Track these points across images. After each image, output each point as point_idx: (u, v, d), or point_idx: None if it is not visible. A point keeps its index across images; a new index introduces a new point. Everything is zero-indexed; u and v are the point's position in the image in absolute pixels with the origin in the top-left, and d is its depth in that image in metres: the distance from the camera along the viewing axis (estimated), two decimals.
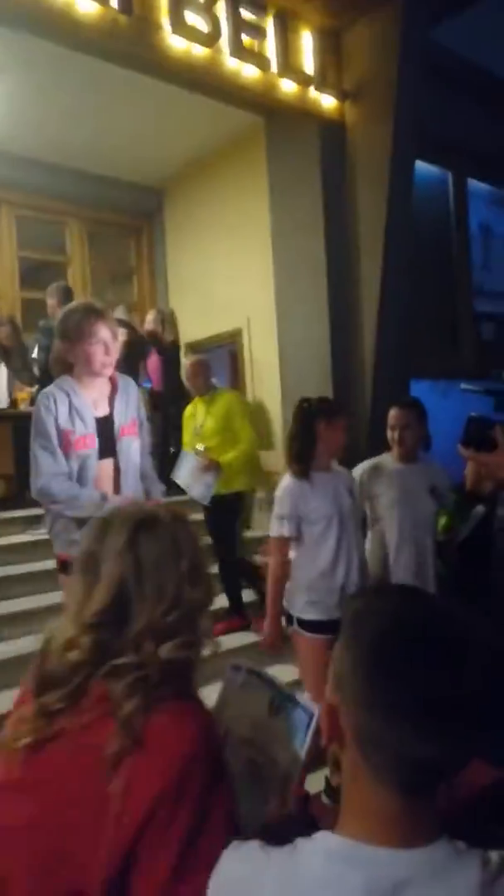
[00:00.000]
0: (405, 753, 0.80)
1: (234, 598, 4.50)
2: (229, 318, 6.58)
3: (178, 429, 6.10)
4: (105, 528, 1.17)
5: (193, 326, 6.98)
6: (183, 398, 6.23)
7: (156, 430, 5.61)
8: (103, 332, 2.59)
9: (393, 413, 3.33)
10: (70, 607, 1.14)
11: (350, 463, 3.34)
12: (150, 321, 6.56)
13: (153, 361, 6.45)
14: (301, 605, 2.93)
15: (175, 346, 6.65)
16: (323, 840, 0.83)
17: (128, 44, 4.40)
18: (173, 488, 4.46)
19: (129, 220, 7.64)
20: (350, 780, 0.86)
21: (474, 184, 7.33)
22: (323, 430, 2.92)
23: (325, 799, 3.05)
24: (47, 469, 2.50)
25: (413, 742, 0.79)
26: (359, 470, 3.35)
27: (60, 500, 2.50)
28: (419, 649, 0.80)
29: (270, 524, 2.98)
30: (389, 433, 3.31)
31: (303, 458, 2.93)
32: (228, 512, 4.47)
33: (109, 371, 2.65)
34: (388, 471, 3.32)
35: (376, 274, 5.46)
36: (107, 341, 2.60)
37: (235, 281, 6.55)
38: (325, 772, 3.06)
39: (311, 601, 2.91)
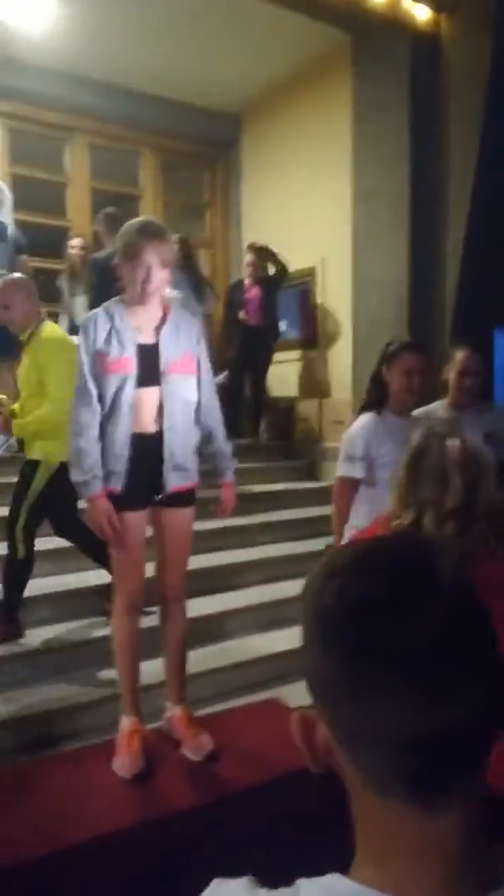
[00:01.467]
0: (393, 730, 0.58)
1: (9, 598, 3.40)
2: (303, 256, 6.24)
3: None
4: None
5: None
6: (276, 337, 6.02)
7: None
8: (149, 254, 2.41)
9: (464, 356, 3.07)
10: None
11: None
12: (247, 261, 6.19)
13: (253, 294, 6.06)
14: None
15: (280, 277, 6.10)
16: (331, 884, 0.62)
17: None
18: None
19: (205, 149, 7.31)
20: (357, 804, 0.65)
21: None
22: (386, 373, 2.79)
23: None
24: (77, 405, 2.45)
25: (400, 710, 0.57)
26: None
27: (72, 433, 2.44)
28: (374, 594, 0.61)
29: (338, 465, 2.83)
30: (455, 377, 3.05)
31: (374, 401, 2.82)
32: (21, 482, 3.41)
33: (151, 297, 2.46)
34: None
35: (464, 210, 5.02)
36: (150, 265, 2.41)
37: (311, 218, 6.19)
38: None
39: None
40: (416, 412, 3.10)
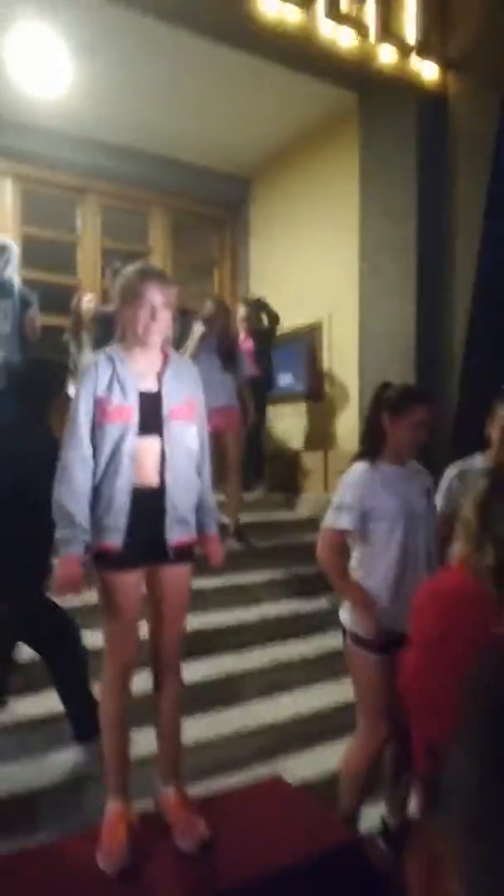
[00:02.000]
0: None
1: None
2: (310, 310, 6.21)
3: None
4: None
5: None
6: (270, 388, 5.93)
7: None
8: (152, 293, 2.30)
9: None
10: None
11: (433, 465, 2.87)
12: (242, 315, 6.13)
13: (248, 346, 5.91)
14: (350, 615, 2.56)
15: (272, 328, 6.09)
16: None
17: (217, 12, 4.14)
18: None
19: (214, 210, 7.40)
20: None
21: None
22: (389, 424, 2.54)
23: (381, 843, 2.62)
24: (67, 450, 2.26)
25: None
26: (451, 472, 2.90)
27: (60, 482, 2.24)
28: None
29: (326, 515, 2.58)
30: (499, 434, 2.77)
31: (369, 450, 2.59)
32: None
33: (155, 339, 2.33)
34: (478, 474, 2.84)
35: (472, 262, 4.96)
36: (155, 305, 2.30)
37: (319, 273, 6.18)
38: (381, 809, 2.69)
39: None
40: (456, 465, 2.91)
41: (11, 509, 2.73)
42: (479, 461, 2.89)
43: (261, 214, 7.14)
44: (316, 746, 3.32)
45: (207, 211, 7.38)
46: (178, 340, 4.74)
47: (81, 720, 2.85)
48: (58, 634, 2.91)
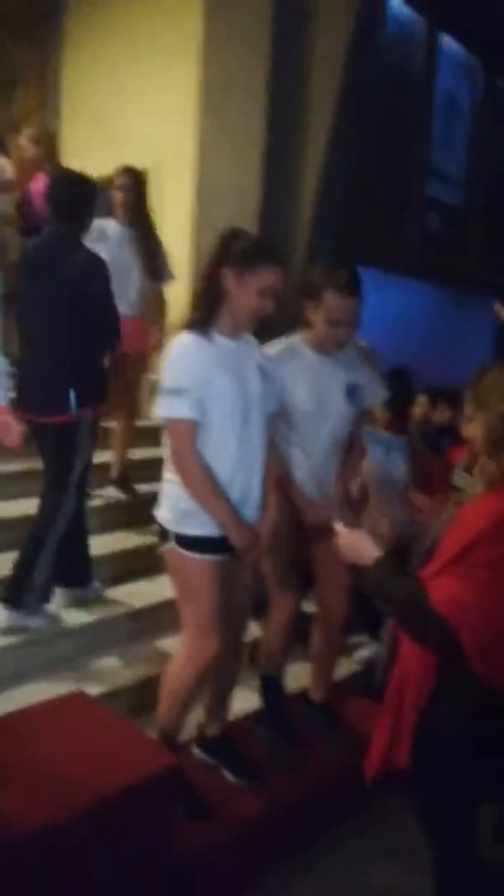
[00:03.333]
0: None
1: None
2: (134, 156, 5.21)
3: None
4: None
5: (88, 160, 5.51)
6: None
7: None
8: None
9: (343, 304, 2.25)
10: None
11: (264, 338, 2.35)
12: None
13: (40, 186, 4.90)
14: (182, 514, 2.08)
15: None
16: None
17: None
18: None
19: (19, 15, 5.93)
20: None
21: (444, 42, 6.20)
22: (232, 283, 2.02)
23: (198, 752, 2.39)
24: None
25: None
26: (272, 351, 2.38)
27: None
28: None
29: (158, 404, 2.05)
30: (326, 326, 2.29)
31: (203, 316, 2.07)
32: None
33: None
34: (303, 360, 2.38)
35: (326, 119, 4.36)
36: None
37: (149, 109, 5.16)
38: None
39: (192, 510, 2.06)
40: (279, 343, 2.40)
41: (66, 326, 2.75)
42: (299, 340, 2.40)
43: (77, 27, 5.84)
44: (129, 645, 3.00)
45: (9, 14, 5.90)
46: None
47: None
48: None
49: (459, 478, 2.80)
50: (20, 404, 2.70)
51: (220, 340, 2.08)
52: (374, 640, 3.34)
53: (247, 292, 2.02)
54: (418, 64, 6.01)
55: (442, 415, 4.15)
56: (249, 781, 2.33)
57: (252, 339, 2.21)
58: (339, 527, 1.76)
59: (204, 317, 2.07)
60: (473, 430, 1.62)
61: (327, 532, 2.35)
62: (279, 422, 2.33)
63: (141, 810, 1.84)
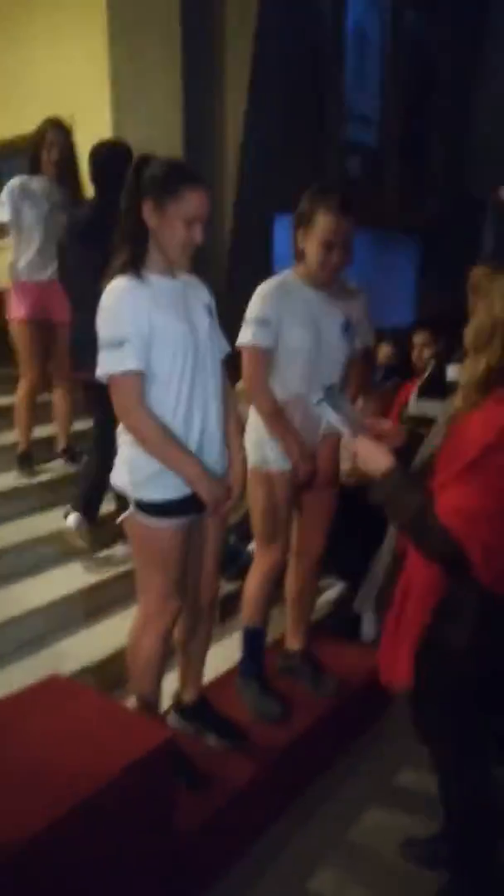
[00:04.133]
0: None
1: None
2: (43, 110, 4.92)
3: None
4: None
5: None
6: None
7: None
8: None
9: (337, 223, 2.19)
10: None
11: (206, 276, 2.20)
12: None
13: None
14: (142, 478, 1.96)
15: None
16: None
17: None
18: None
19: None
20: None
21: None
22: (153, 215, 1.86)
23: (174, 720, 2.36)
24: None
25: None
26: (265, 288, 2.31)
27: None
28: None
29: (98, 361, 1.89)
30: (320, 249, 2.22)
31: (130, 256, 1.90)
32: None
33: None
34: (299, 295, 2.32)
35: (243, 67, 4.19)
36: None
37: (57, 63, 4.85)
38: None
39: (152, 475, 1.94)
40: (268, 284, 2.31)
41: None
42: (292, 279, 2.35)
43: None
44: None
45: None
46: None
47: None
48: None
49: (454, 372, 2.83)
50: (73, 365, 2.99)
51: (156, 280, 1.91)
52: (341, 580, 3.40)
53: (171, 222, 1.86)
54: None
55: (385, 354, 4.17)
56: (234, 742, 2.31)
57: (193, 279, 2.07)
58: (352, 438, 1.74)
59: (131, 257, 1.89)
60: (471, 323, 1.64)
61: (316, 478, 2.39)
62: (277, 361, 2.29)
63: (142, 789, 1.78)
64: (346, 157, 6.18)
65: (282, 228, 5.39)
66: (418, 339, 3.17)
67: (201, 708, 2.36)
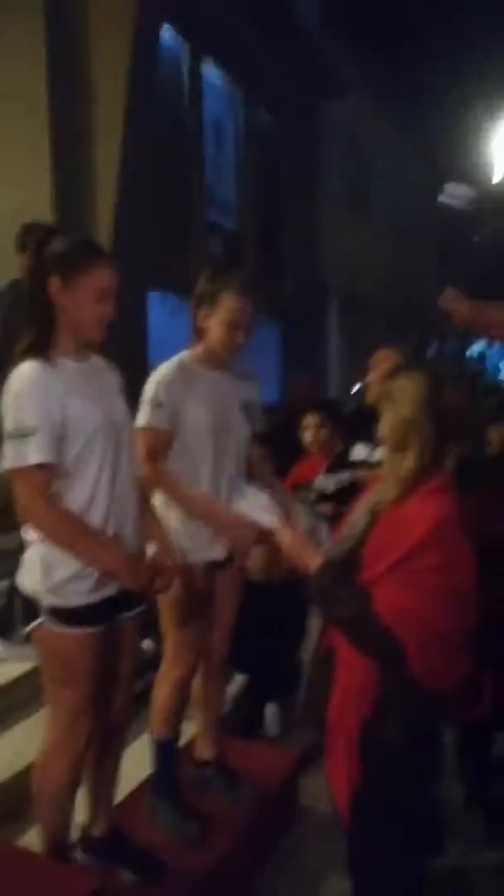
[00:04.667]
0: None
1: None
2: None
3: None
4: None
5: None
6: None
7: None
8: None
9: (242, 305, 2.14)
10: None
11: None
12: None
13: None
14: (55, 583, 1.75)
15: None
16: None
17: None
18: None
19: None
20: None
21: (207, 70, 6.29)
22: (59, 292, 1.75)
23: (81, 857, 2.06)
24: None
25: None
26: (163, 371, 2.20)
27: None
28: None
29: (4, 453, 1.70)
30: (224, 330, 2.15)
31: (38, 337, 1.76)
32: None
33: None
34: (200, 377, 2.22)
35: (112, 151, 4.21)
36: None
37: None
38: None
39: (69, 578, 1.75)
40: (166, 368, 2.18)
41: None
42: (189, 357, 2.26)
43: None
44: None
45: None
46: None
47: None
48: None
49: (360, 452, 2.81)
50: None
51: (66, 364, 1.77)
52: (240, 672, 3.27)
53: (82, 299, 1.74)
54: (186, 90, 6.05)
55: None
56: (151, 876, 2.04)
57: (101, 360, 1.93)
58: (281, 529, 1.68)
59: (39, 338, 1.75)
60: (382, 424, 1.65)
61: (230, 562, 2.24)
62: (182, 443, 2.15)
63: None
64: (209, 239, 6.30)
65: (154, 305, 5.35)
66: (311, 420, 3.18)
67: (114, 842, 2.08)
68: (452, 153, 12.16)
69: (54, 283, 1.73)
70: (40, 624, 1.77)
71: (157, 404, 2.14)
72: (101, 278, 1.76)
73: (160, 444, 2.15)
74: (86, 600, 1.76)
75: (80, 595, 1.76)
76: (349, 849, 1.81)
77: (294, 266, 8.34)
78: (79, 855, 2.06)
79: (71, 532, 1.72)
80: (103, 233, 4.22)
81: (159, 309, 5.28)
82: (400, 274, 11.64)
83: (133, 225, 4.45)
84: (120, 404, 1.89)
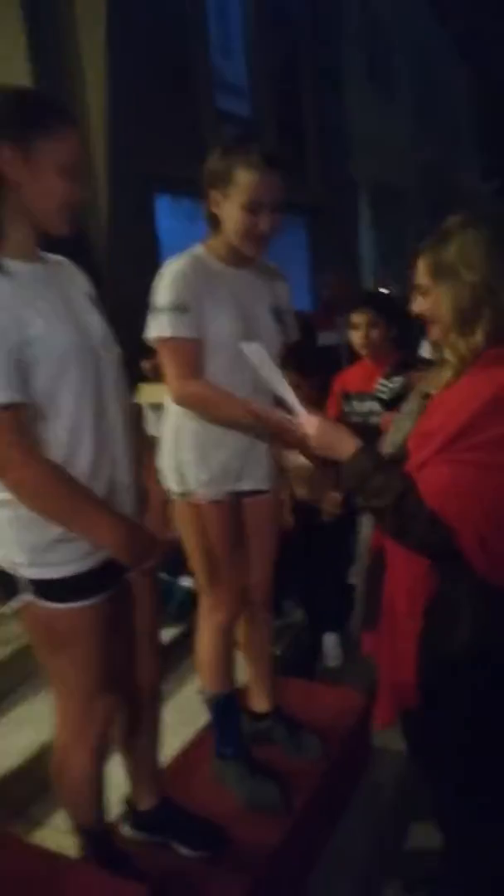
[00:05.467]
0: None
1: None
2: None
3: None
4: None
5: None
6: None
7: None
8: None
9: (261, 180, 1.65)
10: None
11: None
12: None
13: None
14: (37, 550, 1.39)
15: None
16: None
17: None
18: None
19: None
20: None
21: None
22: (10, 163, 1.30)
23: (129, 832, 1.85)
24: None
25: None
26: (172, 267, 1.75)
27: None
28: None
29: None
30: (242, 214, 1.68)
31: None
32: None
33: None
34: (218, 276, 1.78)
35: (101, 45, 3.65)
36: None
37: None
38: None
39: (55, 540, 1.38)
40: (176, 263, 1.74)
41: None
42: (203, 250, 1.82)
43: None
44: None
45: None
46: None
47: None
48: None
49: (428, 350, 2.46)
50: None
51: (19, 266, 1.35)
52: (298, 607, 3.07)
53: (41, 173, 1.31)
54: None
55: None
56: (211, 849, 1.78)
57: (62, 260, 1.50)
58: (306, 416, 1.42)
59: None
60: (432, 303, 1.38)
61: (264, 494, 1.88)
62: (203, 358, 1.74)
63: None
64: (220, 127, 5.63)
65: (164, 211, 4.84)
66: (359, 319, 2.71)
67: (164, 813, 1.80)
68: None
69: (4, 151, 1.29)
70: (23, 602, 1.41)
71: (180, 308, 1.69)
72: (69, 145, 1.34)
73: (194, 357, 1.73)
74: (78, 568, 1.40)
75: (70, 563, 1.39)
76: (434, 793, 1.57)
77: (319, 154, 7.61)
78: (128, 832, 1.82)
79: (48, 480, 1.32)
80: (93, 120, 3.71)
81: (170, 216, 4.78)
82: (433, 155, 10.73)
83: (129, 117, 3.92)
84: (96, 318, 1.46)
